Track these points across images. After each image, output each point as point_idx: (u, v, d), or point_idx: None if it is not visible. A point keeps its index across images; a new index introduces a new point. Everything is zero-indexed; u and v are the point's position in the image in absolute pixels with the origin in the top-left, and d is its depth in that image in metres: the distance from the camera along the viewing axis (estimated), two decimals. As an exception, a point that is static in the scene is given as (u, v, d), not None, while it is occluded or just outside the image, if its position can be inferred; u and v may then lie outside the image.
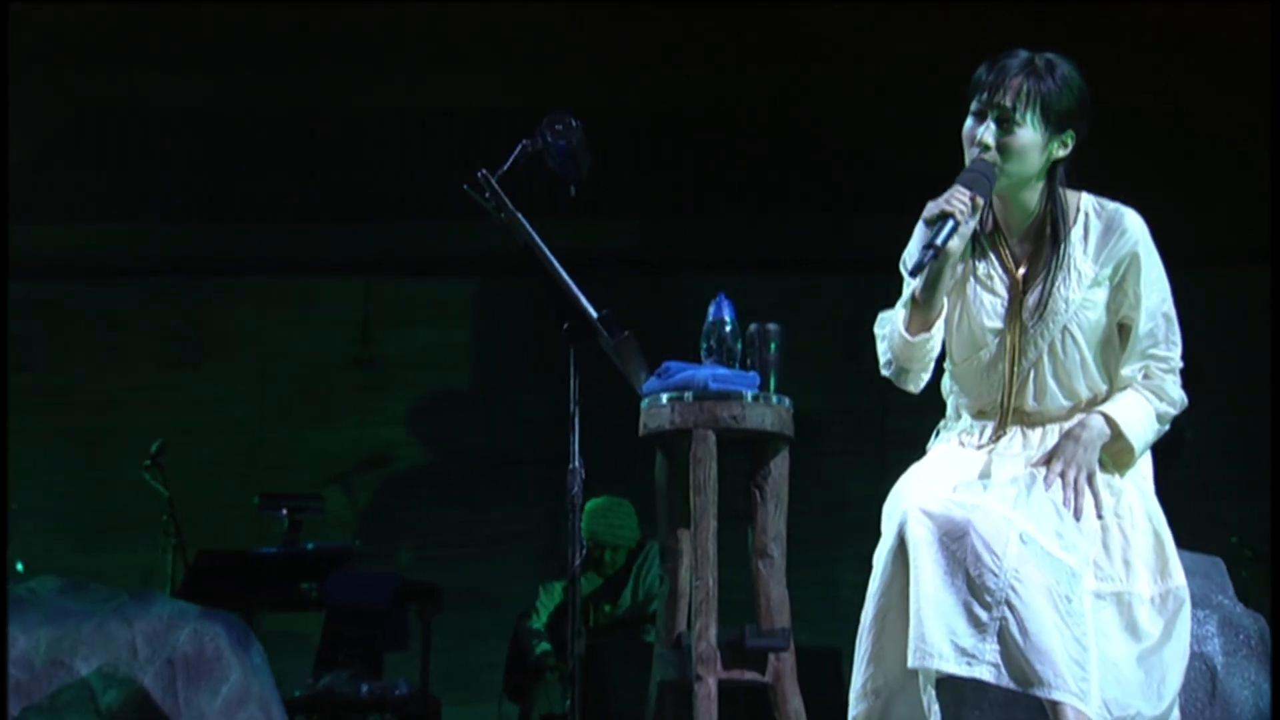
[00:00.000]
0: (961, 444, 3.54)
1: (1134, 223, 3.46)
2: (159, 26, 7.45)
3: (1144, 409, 3.44)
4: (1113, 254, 3.45)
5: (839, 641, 6.01)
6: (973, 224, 3.39)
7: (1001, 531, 3.19)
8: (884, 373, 3.58)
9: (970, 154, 3.42)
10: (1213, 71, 7.22)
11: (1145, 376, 3.47)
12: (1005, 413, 3.50)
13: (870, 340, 3.60)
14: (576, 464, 3.83)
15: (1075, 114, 3.43)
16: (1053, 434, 3.47)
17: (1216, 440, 7.44)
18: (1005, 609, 3.14)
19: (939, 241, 3.33)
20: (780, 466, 4.16)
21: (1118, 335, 3.49)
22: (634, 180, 7.83)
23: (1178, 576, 3.35)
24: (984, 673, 3.14)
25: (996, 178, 3.40)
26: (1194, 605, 3.39)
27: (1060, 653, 3.12)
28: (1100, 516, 3.35)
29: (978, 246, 3.52)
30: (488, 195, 3.87)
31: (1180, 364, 3.50)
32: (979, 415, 3.55)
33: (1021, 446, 3.48)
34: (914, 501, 3.26)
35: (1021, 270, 3.50)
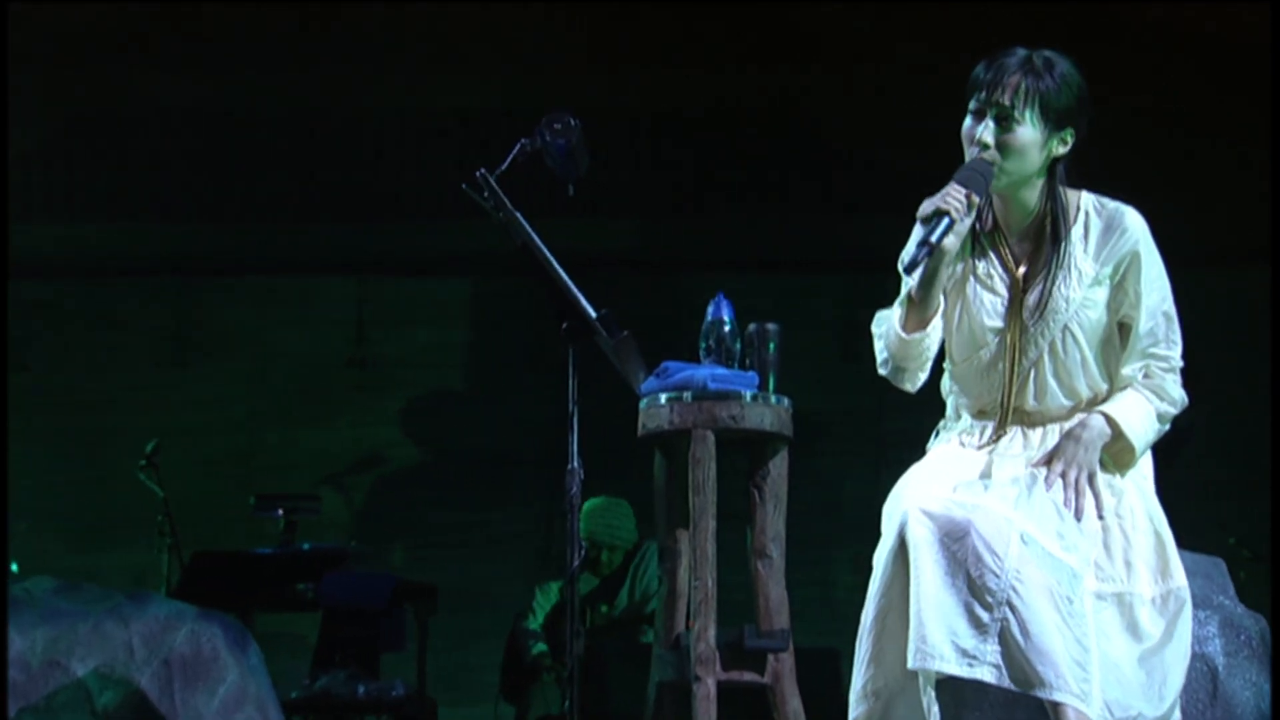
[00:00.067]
0: (962, 444, 3.53)
1: (1134, 221, 3.45)
2: (159, 26, 7.44)
3: (1144, 408, 3.44)
4: (1113, 253, 3.44)
5: (836, 642, 6.00)
6: (969, 222, 3.39)
7: (1002, 532, 3.18)
8: (881, 371, 3.57)
9: (970, 153, 3.41)
10: (1213, 71, 7.21)
11: (1146, 376, 3.46)
12: (1005, 412, 3.49)
13: (869, 340, 3.59)
14: (575, 464, 3.82)
15: (1074, 111, 3.42)
16: (1053, 434, 3.46)
17: (1216, 440, 7.43)
18: (1006, 610, 3.13)
19: (934, 239, 3.32)
20: (779, 467, 4.16)
21: (1118, 334, 3.48)
22: (633, 180, 7.82)
23: (1179, 577, 3.34)
24: (985, 674, 3.13)
25: (994, 175, 3.40)
26: (1195, 606, 3.38)
27: (1062, 654, 3.11)
28: (1101, 517, 3.34)
29: (978, 245, 3.51)
30: (486, 195, 3.86)
31: (1181, 363, 3.49)
32: (979, 415, 3.54)
33: (1022, 446, 3.47)
34: (914, 502, 3.25)
35: (1022, 269, 3.49)
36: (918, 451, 3.62)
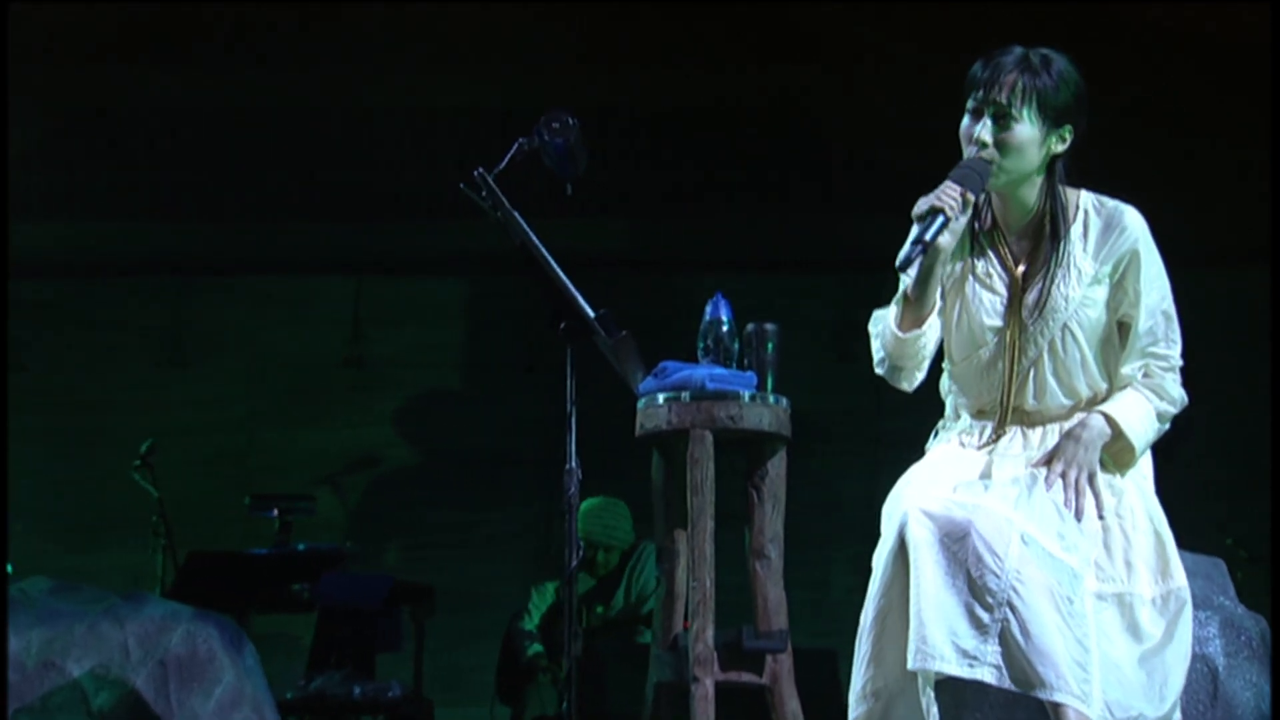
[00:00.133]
0: (961, 444, 3.52)
1: (1134, 220, 3.45)
2: (158, 26, 7.43)
3: (1144, 408, 3.43)
4: (1113, 251, 3.43)
5: (834, 642, 6.00)
6: (964, 220, 3.38)
7: (1003, 532, 3.17)
8: (877, 370, 3.56)
9: (968, 151, 3.41)
10: (1213, 71, 7.20)
11: (1145, 375, 3.46)
12: (1005, 412, 3.48)
13: (867, 341, 3.58)
14: (573, 464, 3.81)
15: (1072, 108, 3.41)
16: (1053, 434, 3.45)
17: (1216, 440, 7.43)
18: (1007, 610, 3.12)
19: (928, 237, 3.31)
20: (778, 467, 4.15)
21: (1117, 333, 3.47)
22: (632, 180, 7.81)
23: (1179, 577, 3.33)
24: (985, 674, 3.12)
25: (992, 174, 3.39)
26: (1195, 606, 3.38)
27: (1062, 654, 3.11)
28: (1101, 517, 3.33)
29: (976, 244, 3.50)
30: (484, 194, 3.85)
31: (1180, 362, 3.49)
32: (978, 415, 3.53)
33: (1022, 446, 3.46)
34: (914, 502, 3.25)
35: (1021, 268, 3.48)
36: (916, 452, 3.61)
